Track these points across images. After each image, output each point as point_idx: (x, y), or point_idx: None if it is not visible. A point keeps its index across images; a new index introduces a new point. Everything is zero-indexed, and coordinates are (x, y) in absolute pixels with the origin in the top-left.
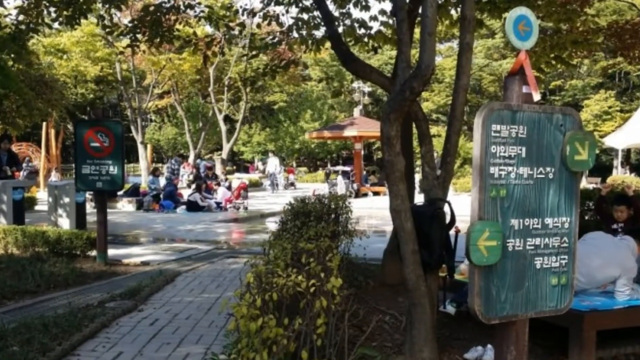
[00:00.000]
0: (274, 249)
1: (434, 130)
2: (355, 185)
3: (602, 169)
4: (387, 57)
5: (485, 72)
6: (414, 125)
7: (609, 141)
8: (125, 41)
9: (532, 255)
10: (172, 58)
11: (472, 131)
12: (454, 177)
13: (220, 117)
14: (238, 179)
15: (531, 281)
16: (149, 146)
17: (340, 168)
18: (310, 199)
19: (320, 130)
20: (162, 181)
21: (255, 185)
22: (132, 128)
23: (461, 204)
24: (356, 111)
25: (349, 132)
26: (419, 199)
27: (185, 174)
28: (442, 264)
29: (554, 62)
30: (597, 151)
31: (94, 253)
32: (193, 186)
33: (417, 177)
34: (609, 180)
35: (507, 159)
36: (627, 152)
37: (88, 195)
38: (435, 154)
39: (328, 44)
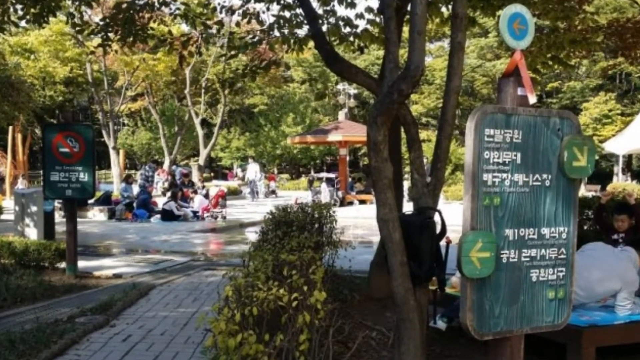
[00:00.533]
0: (254, 260)
1: (423, 134)
2: (340, 193)
3: (602, 176)
4: (374, 57)
5: (478, 73)
6: (402, 129)
7: (609, 146)
8: (96, 40)
9: (528, 267)
10: (146, 58)
11: (464, 136)
12: (445, 185)
13: (197, 121)
14: (216, 187)
15: (527, 295)
16: (121, 152)
17: (324, 175)
18: (293, 207)
19: (303, 135)
20: (136, 189)
21: (234, 193)
22: (104, 132)
23: (452, 213)
24: (341, 115)
25: (333, 137)
26: (408, 207)
27: (160, 181)
28: (432, 276)
29: (550, 63)
30: (597, 157)
31: (63, 265)
32: (168, 194)
33: (406, 184)
34: (609, 187)
35: (501, 165)
36: (629, 158)
37: (57, 203)
38: (425, 160)
39: (311, 44)
